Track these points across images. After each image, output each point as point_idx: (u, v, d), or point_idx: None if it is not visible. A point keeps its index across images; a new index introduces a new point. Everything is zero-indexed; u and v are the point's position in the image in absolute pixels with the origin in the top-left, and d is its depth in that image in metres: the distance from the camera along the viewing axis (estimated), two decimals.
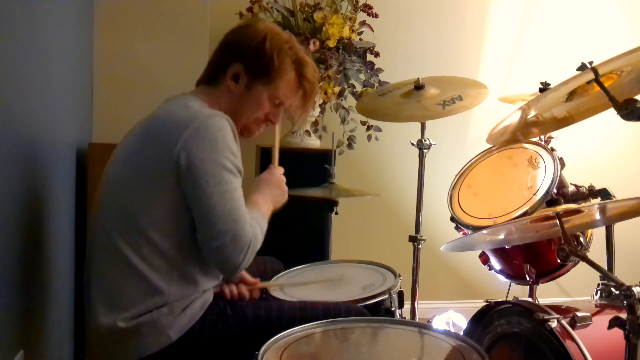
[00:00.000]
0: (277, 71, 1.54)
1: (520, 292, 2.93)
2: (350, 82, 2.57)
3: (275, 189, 1.63)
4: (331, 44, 2.48)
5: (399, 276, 1.78)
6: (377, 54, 2.62)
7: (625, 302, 1.14)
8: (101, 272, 1.46)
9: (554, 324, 1.42)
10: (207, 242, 1.39)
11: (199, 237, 1.40)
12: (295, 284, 1.82)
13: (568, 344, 1.39)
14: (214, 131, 1.39)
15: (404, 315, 1.80)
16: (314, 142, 2.70)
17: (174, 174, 1.38)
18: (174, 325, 1.41)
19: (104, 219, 1.47)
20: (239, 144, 1.48)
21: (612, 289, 1.64)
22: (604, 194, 1.83)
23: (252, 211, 1.48)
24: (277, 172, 1.68)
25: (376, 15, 2.61)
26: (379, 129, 2.68)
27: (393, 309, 1.66)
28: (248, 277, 1.67)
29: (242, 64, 1.54)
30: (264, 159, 2.60)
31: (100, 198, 1.50)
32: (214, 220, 1.37)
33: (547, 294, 2.78)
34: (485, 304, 1.66)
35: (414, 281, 2.32)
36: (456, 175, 2.07)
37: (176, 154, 1.37)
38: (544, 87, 2.18)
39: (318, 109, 2.64)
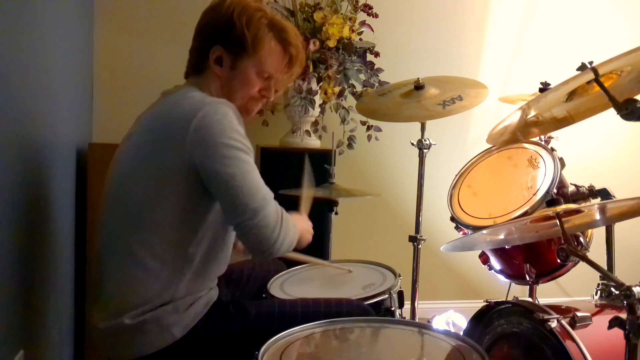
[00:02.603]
0: (254, 42, 1.50)
1: (520, 292, 2.93)
2: (350, 82, 2.57)
3: (303, 223, 1.65)
4: (331, 44, 2.48)
5: (399, 276, 1.78)
6: (377, 54, 2.62)
7: (625, 302, 1.14)
8: (111, 272, 1.45)
9: (554, 324, 1.42)
10: (241, 224, 1.38)
11: (230, 222, 1.41)
12: (310, 262, 1.86)
13: (568, 344, 1.39)
14: (220, 117, 1.39)
15: (404, 315, 1.80)
16: (314, 142, 2.70)
17: (187, 167, 1.38)
18: (178, 323, 1.42)
19: (112, 220, 1.47)
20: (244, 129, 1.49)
21: (612, 289, 1.64)
22: (604, 194, 1.83)
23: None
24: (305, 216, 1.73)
25: (376, 15, 2.61)
26: (379, 129, 2.68)
27: (393, 308, 1.66)
28: None
29: (220, 45, 1.52)
30: (264, 159, 2.60)
31: (106, 198, 1.49)
32: (244, 200, 1.37)
33: (547, 294, 2.79)
34: (485, 304, 1.66)
35: (414, 281, 2.32)
36: (456, 175, 2.07)
37: (188, 147, 1.37)
38: (544, 87, 2.18)
39: (318, 109, 2.64)
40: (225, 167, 1.37)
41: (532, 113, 1.76)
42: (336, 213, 2.23)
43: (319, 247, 2.39)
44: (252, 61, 1.52)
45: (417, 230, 2.32)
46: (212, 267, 1.50)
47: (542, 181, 1.83)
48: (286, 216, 1.45)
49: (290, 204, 1.70)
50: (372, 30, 2.62)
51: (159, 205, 1.40)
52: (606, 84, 1.33)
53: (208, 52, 1.53)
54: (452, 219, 1.95)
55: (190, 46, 1.59)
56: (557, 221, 1.36)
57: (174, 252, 1.41)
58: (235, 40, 1.50)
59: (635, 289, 1.14)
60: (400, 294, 1.72)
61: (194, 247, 1.43)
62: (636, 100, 1.20)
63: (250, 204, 1.37)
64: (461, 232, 1.93)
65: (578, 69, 1.35)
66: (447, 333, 1.36)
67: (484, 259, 1.99)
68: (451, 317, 2.90)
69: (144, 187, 1.42)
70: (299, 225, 1.57)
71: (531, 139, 1.99)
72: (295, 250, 1.57)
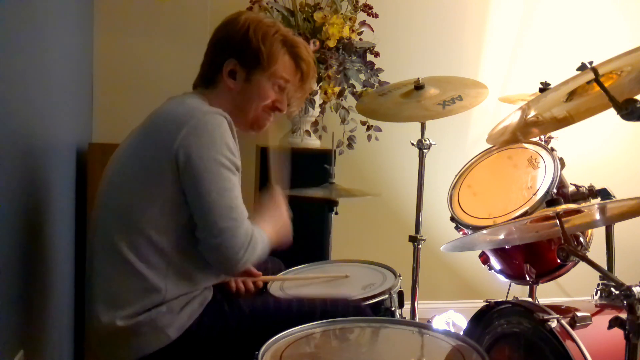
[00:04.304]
0: (269, 57, 1.53)
1: (520, 292, 2.93)
2: (350, 82, 2.57)
3: (278, 222, 1.61)
4: (331, 44, 2.48)
5: (399, 276, 1.78)
6: (377, 54, 2.62)
7: (625, 302, 1.14)
8: (100, 271, 1.46)
9: (554, 324, 1.42)
10: (206, 240, 1.39)
11: (198, 235, 1.40)
12: (298, 279, 1.83)
13: (568, 344, 1.38)
14: (212, 128, 1.40)
15: (404, 315, 1.80)
16: (314, 142, 2.70)
17: (172, 170, 1.38)
18: (173, 323, 1.41)
19: (102, 218, 1.47)
20: (238, 142, 1.48)
21: (612, 289, 1.64)
22: (604, 194, 1.83)
23: (256, 227, 1.47)
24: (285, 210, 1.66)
25: (376, 15, 2.61)
26: (379, 129, 2.68)
27: (393, 308, 1.66)
28: (252, 269, 1.66)
29: (234, 59, 1.53)
30: (264, 159, 2.60)
31: (99, 197, 1.51)
32: (214, 218, 1.37)
33: (547, 294, 2.78)
34: (485, 304, 1.66)
35: (414, 281, 2.32)
36: (456, 175, 2.07)
37: (174, 151, 1.37)
38: (544, 87, 2.18)
39: (318, 109, 2.64)
40: (203, 181, 1.37)
41: (532, 113, 1.76)
42: (336, 213, 2.23)
43: (319, 247, 2.40)
44: (266, 75, 1.54)
45: (417, 230, 2.32)
46: (199, 274, 1.48)
47: (542, 181, 1.83)
48: (255, 240, 1.41)
49: (290, 204, 1.69)
50: (372, 30, 2.62)
51: (145, 207, 1.40)
52: (606, 84, 1.33)
53: (221, 66, 1.54)
54: (452, 219, 1.95)
55: (202, 60, 1.60)
56: (557, 221, 1.36)
57: (158, 255, 1.41)
58: (251, 54, 1.52)
59: (635, 289, 1.14)
60: (400, 294, 1.72)
61: (177, 252, 1.42)
62: (636, 100, 1.20)
63: (218, 224, 1.37)
64: (461, 232, 1.93)
65: (578, 69, 1.35)
66: (447, 333, 1.36)
67: (484, 259, 1.99)
68: (451, 317, 2.90)
69: (132, 188, 1.43)
70: (274, 227, 1.55)
71: (531, 139, 1.99)
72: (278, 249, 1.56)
